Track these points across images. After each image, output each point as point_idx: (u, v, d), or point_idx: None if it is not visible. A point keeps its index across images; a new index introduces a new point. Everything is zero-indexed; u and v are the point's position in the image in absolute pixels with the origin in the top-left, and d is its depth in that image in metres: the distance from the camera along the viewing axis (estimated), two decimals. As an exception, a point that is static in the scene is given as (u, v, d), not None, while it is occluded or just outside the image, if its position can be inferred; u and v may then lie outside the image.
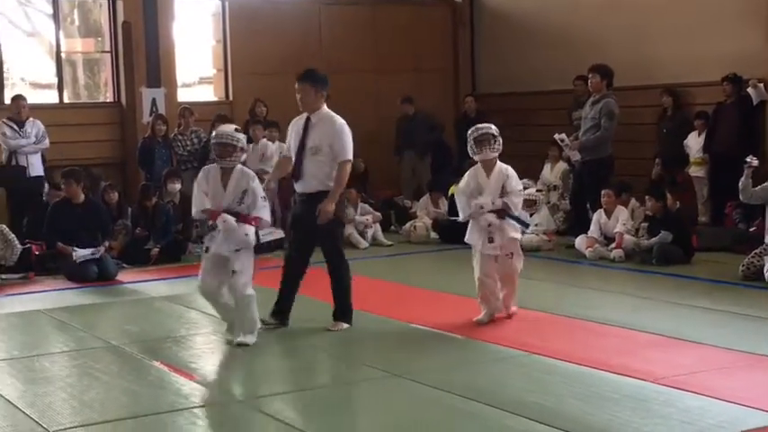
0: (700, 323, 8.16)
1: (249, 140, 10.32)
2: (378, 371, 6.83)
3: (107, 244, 11.28)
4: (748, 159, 9.74)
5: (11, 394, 6.45)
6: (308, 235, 8.02)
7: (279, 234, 8.25)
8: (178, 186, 12.57)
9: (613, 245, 11.38)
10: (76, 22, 16.78)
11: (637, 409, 5.86)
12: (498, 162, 8.26)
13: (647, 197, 11.48)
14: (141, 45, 14.55)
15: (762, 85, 12.67)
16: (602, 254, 11.40)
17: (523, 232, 11.78)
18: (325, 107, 8.06)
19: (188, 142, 13.50)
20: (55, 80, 14.94)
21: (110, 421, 5.91)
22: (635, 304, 9.03)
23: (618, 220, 11.53)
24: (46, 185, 12.57)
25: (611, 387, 6.30)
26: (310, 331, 8.08)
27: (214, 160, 7.72)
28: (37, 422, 5.86)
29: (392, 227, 14.07)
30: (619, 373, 6.56)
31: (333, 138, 7.90)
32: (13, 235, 11.11)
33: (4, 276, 10.84)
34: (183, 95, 15.39)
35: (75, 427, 5.79)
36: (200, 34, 16.56)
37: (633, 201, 12.38)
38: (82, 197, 11.30)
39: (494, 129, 8.21)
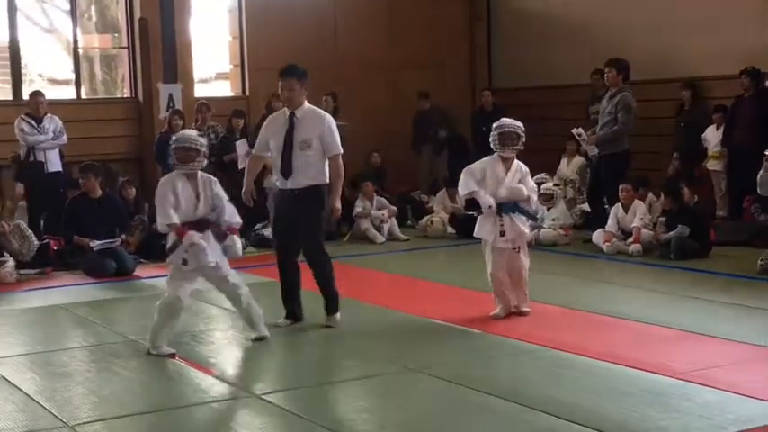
0: (718, 317, 8.14)
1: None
2: (394, 365, 6.84)
3: (123, 236, 11.31)
4: (767, 153, 9.70)
5: (30, 389, 6.48)
6: (298, 231, 7.93)
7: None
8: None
9: (631, 239, 11.35)
10: (94, 19, 16.81)
11: (654, 403, 5.85)
12: (515, 159, 8.26)
13: (661, 193, 11.47)
14: (158, 41, 14.59)
15: (780, 78, 12.63)
16: (619, 248, 11.37)
17: (538, 227, 11.87)
18: (306, 102, 7.99)
19: (205, 138, 13.48)
20: (72, 76, 15.01)
21: (128, 415, 5.94)
22: (652, 299, 9.01)
23: (635, 214, 11.50)
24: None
25: (629, 381, 6.29)
26: (327, 327, 8.08)
27: (175, 166, 7.40)
28: (56, 416, 5.89)
29: (408, 222, 14.07)
30: (636, 368, 6.55)
31: (322, 132, 7.87)
32: (30, 231, 11.16)
33: (22, 272, 10.88)
34: (200, 91, 15.43)
35: (95, 421, 5.82)
36: (216, 30, 16.58)
37: (650, 195, 12.35)
38: (99, 192, 11.34)
39: (520, 127, 8.18)
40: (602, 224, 11.76)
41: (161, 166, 13.43)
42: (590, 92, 14.25)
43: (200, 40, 15.45)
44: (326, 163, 7.89)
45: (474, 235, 8.40)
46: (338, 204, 8.04)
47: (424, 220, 13.58)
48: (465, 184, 8.24)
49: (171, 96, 14.61)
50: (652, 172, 13.00)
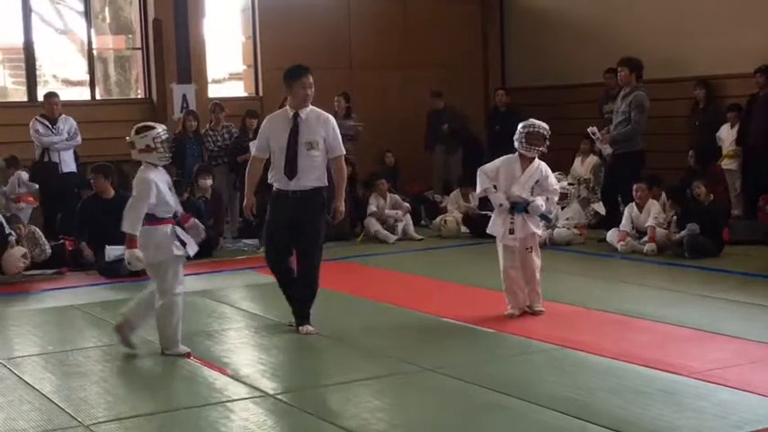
0: (733, 317, 8.11)
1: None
2: (408, 365, 6.83)
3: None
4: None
5: (46, 388, 6.51)
6: (298, 234, 7.84)
7: None
8: (209, 182, 12.62)
9: (645, 238, 11.33)
10: (108, 20, 16.87)
11: (669, 402, 5.83)
12: (537, 159, 8.25)
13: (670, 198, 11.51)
14: (172, 42, 14.64)
15: (795, 76, 12.57)
16: (634, 247, 11.35)
17: (552, 227, 11.86)
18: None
19: (219, 138, 13.54)
20: (87, 77, 15.06)
21: (143, 415, 5.95)
22: (667, 298, 8.98)
23: (650, 213, 11.47)
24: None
25: (644, 381, 6.27)
26: (341, 326, 8.09)
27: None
28: (72, 416, 5.90)
29: (422, 221, 14.06)
30: (651, 367, 6.54)
31: (328, 133, 7.83)
32: (44, 239, 11.16)
33: (37, 272, 10.92)
34: (213, 91, 15.48)
35: (110, 420, 5.83)
36: (229, 30, 16.62)
37: (664, 194, 12.31)
38: (112, 192, 11.35)
39: (546, 129, 8.19)
40: (617, 223, 11.73)
41: (175, 167, 13.47)
42: (603, 91, 14.23)
43: (213, 41, 15.49)
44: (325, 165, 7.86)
45: (487, 231, 8.44)
46: (342, 207, 7.97)
47: (438, 219, 13.58)
48: (481, 183, 8.28)
49: (185, 97, 14.65)
50: (667, 171, 12.96)
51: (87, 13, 14.92)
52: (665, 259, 10.93)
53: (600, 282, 9.96)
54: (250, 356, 7.47)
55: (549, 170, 8.39)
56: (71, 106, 13.41)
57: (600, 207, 13.17)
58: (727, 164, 13.10)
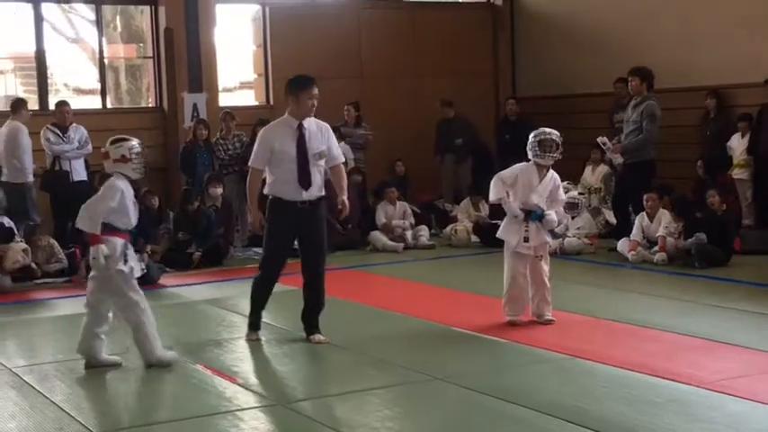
0: (744, 327, 8.09)
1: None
2: (419, 374, 6.83)
3: (149, 249, 11.33)
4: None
5: (57, 397, 6.52)
6: (310, 243, 7.84)
7: None
8: (220, 191, 12.65)
9: (656, 248, 11.31)
10: (119, 29, 16.93)
11: (680, 413, 5.82)
12: (551, 169, 8.29)
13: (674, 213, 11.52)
14: (183, 51, 14.67)
15: (806, 86, 12.55)
16: (645, 257, 11.33)
17: (562, 236, 11.88)
18: None
19: (230, 146, 13.57)
20: (98, 86, 15.09)
21: (153, 423, 5.96)
22: (678, 307, 8.97)
23: (660, 223, 11.45)
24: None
25: (654, 391, 6.26)
26: (350, 335, 8.09)
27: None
28: (83, 425, 5.92)
29: (432, 231, 14.06)
30: (661, 377, 6.53)
31: (330, 142, 7.87)
32: (63, 254, 11.24)
33: (49, 280, 10.95)
34: (224, 100, 15.50)
35: (121, 429, 5.85)
36: (240, 39, 16.66)
37: (670, 204, 12.28)
38: (131, 191, 11.34)
39: (558, 136, 8.23)
40: (628, 233, 11.72)
41: (186, 175, 13.52)
42: (614, 100, 14.22)
43: (224, 50, 15.52)
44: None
45: (497, 235, 8.45)
46: (347, 200, 7.97)
47: (449, 228, 13.58)
48: (495, 191, 8.28)
49: (195, 106, 14.67)
50: (677, 180, 12.95)
51: (99, 22, 14.96)
52: (676, 269, 10.91)
53: (610, 291, 9.95)
54: (260, 365, 7.49)
55: (560, 180, 8.43)
56: (82, 115, 13.44)
57: (610, 216, 13.16)
58: (737, 173, 13.06)
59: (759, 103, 12.87)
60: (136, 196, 7.39)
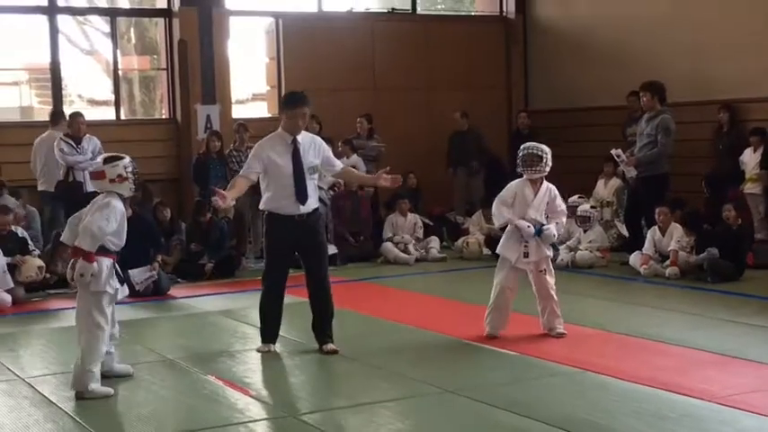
0: (757, 342, 8.06)
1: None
2: (429, 386, 6.83)
3: (160, 259, 11.36)
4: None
5: (69, 407, 6.54)
6: (312, 255, 7.91)
7: None
8: (233, 202, 12.64)
9: (668, 262, 11.29)
10: (133, 41, 17.02)
11: (693, 428, 5.81)
12: (545, 181, 8.28)
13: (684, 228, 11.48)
14: (196, 62, 14.73)
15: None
16: (656, 271, 11.31)
17: (575, 249, 11.86)
18: None
19: (243, 158, 13.54)
20: (112, 97, 15.17)
21: (165, 435, 5.98)
22: (690, 322, 8.95)
23: (672, 237, 11.43)
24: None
25: (667, 405, 6.25)
26: (362, 347, 8.10)
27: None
28: (94, 435, 5.94)
29: (444, 243, 14.06)
30: (674, 392, 6.51)
31: (322, 155, 7.95)
32: None
33: (62, 291, 10.99)
34: (237, 112, 15.54)
35: (132, 440, 5.87)
36: (253, 51, 16.71)
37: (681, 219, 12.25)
38: (130, 212, 11.38)
39: (542, 150, 8.22)
40: (640, 246, 11.70)
41: (199, 187, 13.55)
42: (627, 114, 14.21)
43: (237, 62, 15.57)
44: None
45: (497, 251, 8.48)
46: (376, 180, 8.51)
47: (460, 241, 13.58)
48: (499, 215, 8.35)
49: (209, 117, 14.73)
50: (690, 194, 12.93)
51: (113, 34, 15.05)
52: (688, 283, 10.89)
53: (622, 305, 9.93)
54: (272, 377, 7.49)
55: (557, 191, 8.42)
56: (96, 126, 13.50)
57: (623, 228, 13.14)
58: (750, 188, 13.03)
59: (772, 117, 12.87)
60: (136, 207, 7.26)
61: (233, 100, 15.46)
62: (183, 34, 14.76)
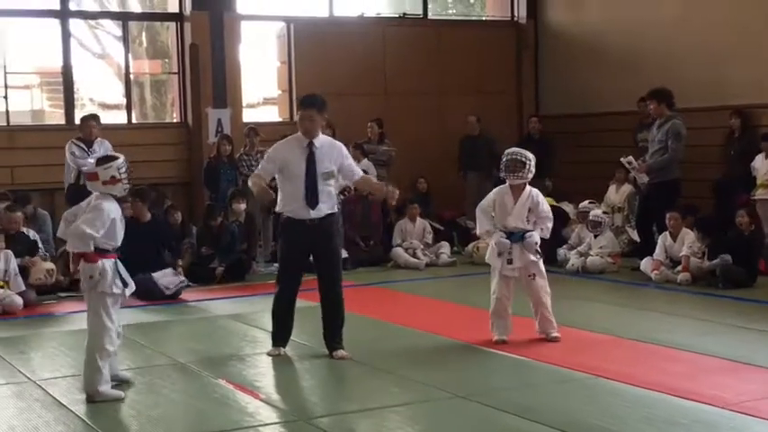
0: (767, 348, 8.03)
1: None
2: (441, 391, 6.83)
3: (180, 263, 11.36)
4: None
5: (79, 410, 6.55)
6: (324, 260, 7.87)
7: None
8: (243, 206, 12.69)
9: (679, 267, 11.27)
10: (144, 44, 17.06)
11: (704, 434, 5.80)
12: (528, 186, 8.27)
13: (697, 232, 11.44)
14: (208, 66, 14.76)
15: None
16: (668, 277, 11.29)
17: (586, 255, 11.82)
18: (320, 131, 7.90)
19: (254, 162, 13.57)
20: (123, 101, 15.21)
21: (176, 438, 5.98)
22: (702, 328, 8.92)
23: (683, 242, 11.41)
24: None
25: (679, 412, 6.23)
26: (372, 352, 8.09)
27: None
28: (105, 438, 5.95)
29: (454, 248, 14.06)
30: (686, 398, 6.49)
31: (342, 162, 7.87)
32: None
33: (73, 294, 11.00)
34: (248, 116, 15.56)
35: (142, 443, 5.87)
36: (265, 56, 16.73)
37: (694, 225, 12.22)
38: (148, 216, 11.44)
39: (526, 156, 8.19)
40: (651, 252, 11.68)
41: (209, 191, 13.57)
42: (638, 119, 14.19)
43: (248, 66, 15.60)
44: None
45: (485, 260, 8.50)
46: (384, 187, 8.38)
47: (471, 246, 13.57)
48: (481, 224, 8.39)
49: (219, 121, 14.76)
50: (702, 200, 12.90)
51: (125, 38, 15.09)
52: (699, 289, 10.86)
53: (633, 310, 9.91)
54: (282, 381, 7.49)
55: (542, 196, 8.40)
56: (107, 130, 13.48)
57: (635, 234, 13.12)
58: (761, 194, 12.97)
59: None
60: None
61: (244, 104, 15.48)
62: (194, 38, 14.80)
